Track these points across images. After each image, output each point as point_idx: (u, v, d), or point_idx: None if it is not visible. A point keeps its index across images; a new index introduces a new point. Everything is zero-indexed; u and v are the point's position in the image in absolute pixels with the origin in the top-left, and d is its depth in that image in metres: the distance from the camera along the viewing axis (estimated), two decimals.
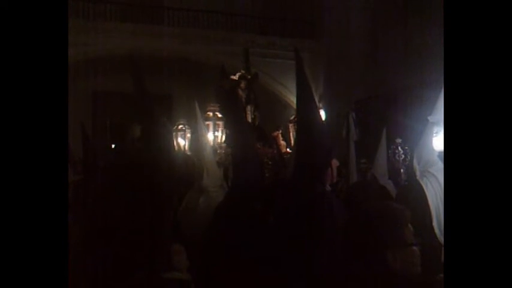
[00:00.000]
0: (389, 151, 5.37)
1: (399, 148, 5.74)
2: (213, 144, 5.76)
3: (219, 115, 6.66)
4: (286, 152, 7.12)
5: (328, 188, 3.03)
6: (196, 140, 4.28)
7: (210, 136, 6.02)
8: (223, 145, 6.22)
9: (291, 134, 7.88)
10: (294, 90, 10.02)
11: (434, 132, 4.29)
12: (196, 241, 2.79)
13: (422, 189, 3.75)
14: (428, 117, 4.33)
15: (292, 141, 7.21)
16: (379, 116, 5.99)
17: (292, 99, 13.15)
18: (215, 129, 6.59)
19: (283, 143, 7.67)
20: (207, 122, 6.18)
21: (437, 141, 4.32)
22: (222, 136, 6.59)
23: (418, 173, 3.91)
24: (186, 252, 2.54)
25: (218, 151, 5.34)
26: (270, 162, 6.02)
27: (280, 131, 7.80)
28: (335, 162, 3.24)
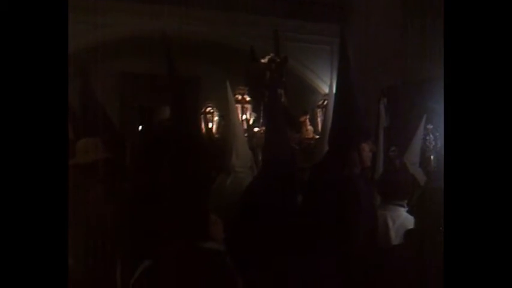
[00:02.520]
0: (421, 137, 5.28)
1: (430, 135, 5.64)
2: (242, 126, 5.73)
3: (248, 98, 6.62)
4: (314, 138, 7.06)
5: (357, 171, 2.98)
6: (227, 122, 4.27)
7: (239, 117, 5.98)
8: (253, 128, 6.20)
9: (319, 119, 7.81)
10: (321, 75, 9.95)
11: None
12: (230, 217, 2.80)
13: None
14: None
15: (320, 127, 7.14)
16: (413, 102, 5.86)
17: (320, 85, 13.00)
18: (243, 112, 6.56)
19: (310, 128, 7.61)
20: (236, 105, 6.15)
21: None
22: (250, 119, 6.56)
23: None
24: (221, 223, 2.55)
25: (246, 134, 5.30)
26: (297, 147, 5.97)
27: (308, 116, 7.73)
28: (367, 147, 3.19)
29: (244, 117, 6.58)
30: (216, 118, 7.42)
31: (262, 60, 6.82)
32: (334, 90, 4.22)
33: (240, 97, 6.65)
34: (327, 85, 12.92)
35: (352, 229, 2.60)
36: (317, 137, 6.71)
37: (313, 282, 2.44)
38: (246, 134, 5.06)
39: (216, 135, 6.83)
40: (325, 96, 7.60)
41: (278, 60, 6.91)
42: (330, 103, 4.36)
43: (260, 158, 4.10)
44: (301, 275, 2.49)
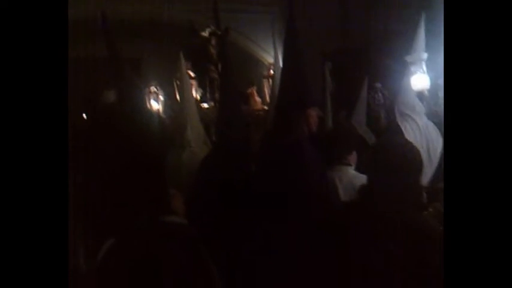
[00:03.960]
0: (369, 96, 5.35)
1: (379, 93, 5.71)
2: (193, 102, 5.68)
3: (192, 74, 6.53)
4: (262, 109, 7.07)
5: (304, 136, 3.01)
6: (174, 100, 4.22)
7: (192, 92, 5.91)
8: (201, 103, 6.14)
9: (266, 90, 7.82)
10: (264, 45, 9.86)
11: (412, 73, 4.30)
12: (188, 190, 2.79)
13: (402, 132, 3.78)
14: (406, 58, 4.32)
15: (268, 98, 7.16)
16: (359, 65, 5.92)
17: (263, 55, 12.97)
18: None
19: (258, 99, 7.62)
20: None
21: (415, 82, 4.34)
22: (196, 94, 6.50)
23: (397, 116, 3.93)
24: (181, 196, 2.54)
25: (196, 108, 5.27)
26: (248, 119, 5.98)
27: (255, 88, 7.73)
28: (313, 111, 3.21)
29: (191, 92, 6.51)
30: (161, 97, 7.30)
31: (203, 34, 6.72)
32: (280, 60, 4.24)
33: None
34: (270, 55, 12.91)
35: (302, 192, 2.62)
36: (266, 108, 6.73)
37: (271, 249, 2.48)
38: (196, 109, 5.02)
39: (163, 115, 6.73)
40: (270, 65, 7.60)
41: (219, 32, 6.83)
42: (277, 74, 4.37)
43: (213, 132, 4.09)
44: (259, 243, 2.52)
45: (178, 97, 4.63)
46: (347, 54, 6.56)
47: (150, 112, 5.96)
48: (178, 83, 5.05)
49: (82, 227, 2.56)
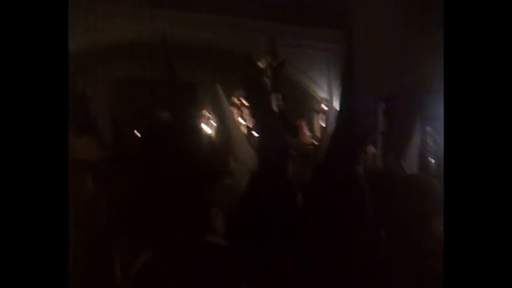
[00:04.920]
0: (419, 141, 5.27)
1: (428, 137, 5.62)
2: (240, 128, 5.74)
3: (245, 102, 6.63)
4: (311, 143, 7.06)
5: (360, 171, 3.00)
6: (224, 125, 4.27)
7: (235, 120, 5.99)
8: (251, 131, 6.20)
9: (316, 124, 7.81)
10: (318, 81, 9.97)
11: None
12: (229, 214, 2.80)
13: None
14: None
15: (318, 132, 7.14)
16: (410, 107, 5.87)
17: (316, 90, 13.05)
18: (241, 116, 6.57)
19: (308, 133, 7.61)
20: (232, 109, 6.15)
21: None
22: (249, 123, 6.56)
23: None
24: (223, 216, 2.54)
25: (246, 137, 5.31)
26: (294, 152, 5.97)
27: (305, 120, 7.74)
28: (370, 149, 3.20)
29: (242, 121, 6.59)
30: (213, 122, 7.41)
31: (259, 64, 6.84)
32: (333, 96, 4.24)
33: (237, 101, 6.66)
34: (323, 90, 12.97)
35: (356, 228, 2.60)
36: (314, 142, 6.71)
37: (314, 282, 2.44)
38: (245, 137, 5.06)
39: (215, 139, 6.82)
40: (322, 100, 7.61)
41: (275, 64, 6.93)
42: (331, 107, 4.37)
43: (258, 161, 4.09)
44: (304, 275, 2.50)
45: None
46: (400, 95, 6.52)
47: (201, 137, 6.07)
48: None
49: (119, 237, 2.60)
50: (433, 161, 5.48)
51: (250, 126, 6.51)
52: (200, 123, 7.24)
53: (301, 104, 10.07)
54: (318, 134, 7.06)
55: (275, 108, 6.66)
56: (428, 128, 5.66)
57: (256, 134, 6.12)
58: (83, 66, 9.50)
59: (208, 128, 7.22)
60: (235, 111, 6.63)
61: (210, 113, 7.34)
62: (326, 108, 6.21)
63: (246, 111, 6.64)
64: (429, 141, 5.64)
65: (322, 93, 11.76)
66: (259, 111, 6.08)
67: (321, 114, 7.55)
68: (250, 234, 2.65)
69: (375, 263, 2.38)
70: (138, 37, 11.67)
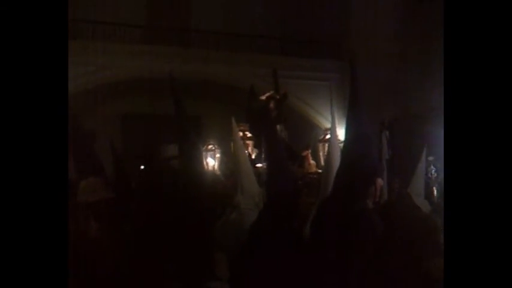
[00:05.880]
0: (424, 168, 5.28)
1: (432, 166, 5.65)
2: (248, 162, 5.76)
3: (249, 135, 6.65)
4: (317, 172, 7.04)
5: (370, 205, 2.99)
6: (230, 159, 4.27)
7: (246, 153, 6.00)
8: (255, 164, 6.19)
9: (321, 153, 7.81)
10: (321, 110, 10.01)
11: None
12: (233, 255, 2.76)
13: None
14: None
15: (322, 161, 7.14)
16: (415, 134, 5.90)
17: (320, 120, 13.11)
18: (245, 148, 6.58)
19: (313, 162, 7.60)
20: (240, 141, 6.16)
21: None
22: (252, 155, 6.57)
23: None
24: (226, 262, 2.51)
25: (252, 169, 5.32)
26: (300, 182, 5.96)
27: (310, 151, 7.74)
28: (379, 182, 3.20)
29: (246, 153, 6.60)
30: (218, 155, 7.43)
31: (262, 97, 6.89)
32: (336, 125, 4.25)
33: (241, 134, 6.68)
34: (327, 120, 13.01)
35: (368, 263, 2.58)
36: (319, 171, 6.70)
37: None
38: (252, 170, 5.06)
39: (219, 172, 6.82)
40: (327, 130, 7.63)
41: (278, 96, 6.98)
42: (334, 136, 4.37)
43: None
44: None
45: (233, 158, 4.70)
46: (404, 123, 6.55)
47: (206, 171, 6.06)
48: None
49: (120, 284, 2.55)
50: (435, 189, 5.48)
51: (254, 158, 6.52)
52: (205, 156, 7.26)
53: (306, 134, 10.10)
54: (323, 163, 7.06)
55: (279, 139, 6.68)
56: (430, 157, 5.68)
57: (259, 165, 6.13)
58: (83, 105, 9.61)
59: (212, 161, 7.23)
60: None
61: (214, 146, 7.37)
62: (330, 137, 6.22)
63: (250, 144, 6.66)
64: (431, 169, 5.66)
65: (326, 123, 11.79)
66: (264, 143, 6.11)
67: (325, 144, 7.55)
68: (256, 274, 2.61)
69: None
70: (141, 74, 11.84)
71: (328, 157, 4.07)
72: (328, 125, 6.73)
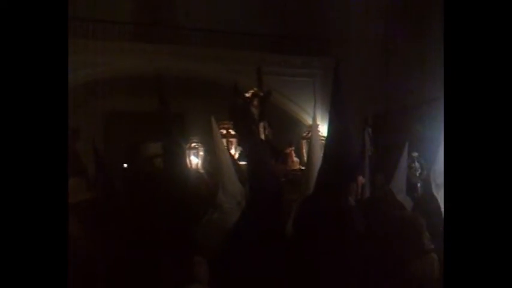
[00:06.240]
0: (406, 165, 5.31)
1: (416, 162, 5.68)
2: (230, 160, 5.76)
3: (232, 132, 6.65)
4: (300, 169, 7.07)
5: (352, 202, 3.00)
6: (213, 157, 4.25)
7: (227, 152, 5.99)
8: (239, 162, 6.20)
9: (304, 150, 7.84)
10: (305, 107, 10.00)
11: None
12: (215, 255, 2.76)
13: (438, 203, 3.70)
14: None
15: (306, 158, 7.17)
16: (398, 130, 5.94)
17: (304, 117, 13.13)
18: (229, 146, 6.57)
19: (296, 159, 7.63)
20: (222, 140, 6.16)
21: None
22: (236, 153, 6.57)
23: (433, 186, 3.86)
24: (206, 264, 2.51)
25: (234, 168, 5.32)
26: (283, 179, 5.98)
27: (293, 148, 7.77)
28: (361, 179, 3.22)
29: (230, 150, 6.60)
30: (201, 153, 7.41)
31: (246, 95, 6.89)
32: (317, 122, 4.27)
33: (224, 131, 6.67)
34: (311, 117, 13.00)
35: (352, 259, 2.59)
36: (303, 168, 6.73)
37: None
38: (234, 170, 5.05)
39: (202, 171, 6.82)
40: (310, 128, 7.66)
41: (261, 94, 6.99)
42: (315, 134, 4.39)
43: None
44: None
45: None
46: (387, 119, 6.59)
47: (189, 168, 6.04)
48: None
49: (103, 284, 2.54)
50: (418, 185, 5.51)
51: (237, 156, 6.53)
52: (188, 155, 7.24)
53: (289, 131, 10.12)
54: (306, 160, 7.09)
55: (262, 136, 6.70)
56: (414, 153, 5.72)
57: (242, 164, 6.13)
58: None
59: (196, 159, 7.22)
60: (223, 141, 6.64)
61: (198, 144, 7.35)
62: (311, 135, 6.25)
63: (233, 141, 6.66)
64: (415, 165, 5.70)
65: (309, 120, 11.83)
66: (247, 141, 6.11)
67: (309, 141, 7.58)
68: (238, 273, 2.61)
69: None
70: (122, 71, 11.76)
71: (309, 154, 4.09)
72: (312, 122, 6.75)
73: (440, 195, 3.68)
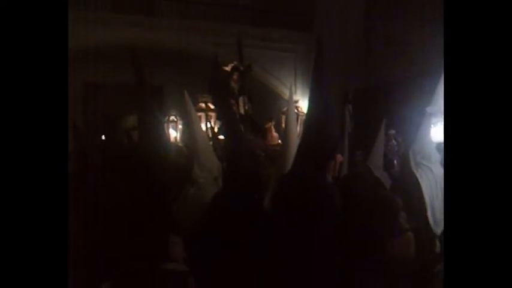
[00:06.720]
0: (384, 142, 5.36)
1: (393, 140, 5.75)
2: (206, 135, 5.71)
3: (211, 106, 6.59)
4: (279, 144, 7.07)
5: (330, 179, 3.00)
6: (188, 131, 4.20)
7: (202, 127, 5.94)
8: (218, 136, 6.16)
9: (284, 125, 7.83)
10: (286, 82, 9.98)
11: (432, 123, 4.29)
12: (192, 233, 2.74)
13: (417, 181, 3.75)
14: (427, 108, 4.32)
15: (285, 133, 7.16)
16: (377, 107, 5.97)
17: (284, 91, 13.08)
18: (207, 120, 6.52)
19: (275, 134, 7.62)
20: (198, 113, 6.10)
21: (435, 133, 4.32)
22: (215, 127, 6.53)
23: (412, 164, 3.90)
24: (182, 243, 2.50)
25: (211, 142, 5.27)
26: (262, 154, 5.97)
27: (273, 123, 7.75)
28: (339, 157, 3.22)
29: (208, 125, 6.55)
30: (180, 126, 7.36)
31: (226, 68, 6.80)
32: (298, 97, 4.24)
33: (203, 105, 6.61)
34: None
35: (327, 235, 2.60)
36: (281, 143, 6.72)
37: None
38: (211, 143, 5.01)
39: (180, 144, 6.77)
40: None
41: (241, 68, 6.91)
42: (291, 109, 4.37)
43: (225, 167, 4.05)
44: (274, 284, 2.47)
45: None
46: (366, 95, 6.60)
47: (167, 142, 5.98)
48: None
49: (81, 265, 2.52)
50: (395, 161, 5.58)
51: (216, 130, 6.49)
52: (167, 128, 7.18)
53: (269, 106, 10.08)
54: (286, 135, 7.08)
55: (242, 111, 6.65)
56: (391, 131, 5.77)
57: (221, 138, 6.10)
58: None
59: (174, 132, 7.16)
60: (202, 115, 6.58)
61: (176, 117, 7.29)
62: (288, 109, 6.24)
63: (212, 116, 6.60)
64: (393, 143, 5.75)
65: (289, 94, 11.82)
66: (226, 115, 6.06)
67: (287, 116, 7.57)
68: (215, 250, 2.59)
69: (344, 268, 2.38)
70: (102, 42, 11.52)
71: (286, 130, 4.07)
72: (293, 97, 6.72)
73: (419, 174, 3.73)
